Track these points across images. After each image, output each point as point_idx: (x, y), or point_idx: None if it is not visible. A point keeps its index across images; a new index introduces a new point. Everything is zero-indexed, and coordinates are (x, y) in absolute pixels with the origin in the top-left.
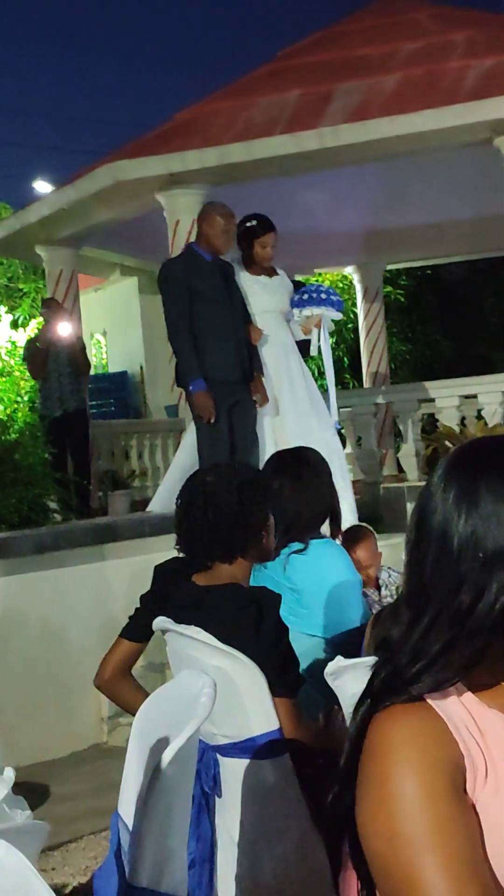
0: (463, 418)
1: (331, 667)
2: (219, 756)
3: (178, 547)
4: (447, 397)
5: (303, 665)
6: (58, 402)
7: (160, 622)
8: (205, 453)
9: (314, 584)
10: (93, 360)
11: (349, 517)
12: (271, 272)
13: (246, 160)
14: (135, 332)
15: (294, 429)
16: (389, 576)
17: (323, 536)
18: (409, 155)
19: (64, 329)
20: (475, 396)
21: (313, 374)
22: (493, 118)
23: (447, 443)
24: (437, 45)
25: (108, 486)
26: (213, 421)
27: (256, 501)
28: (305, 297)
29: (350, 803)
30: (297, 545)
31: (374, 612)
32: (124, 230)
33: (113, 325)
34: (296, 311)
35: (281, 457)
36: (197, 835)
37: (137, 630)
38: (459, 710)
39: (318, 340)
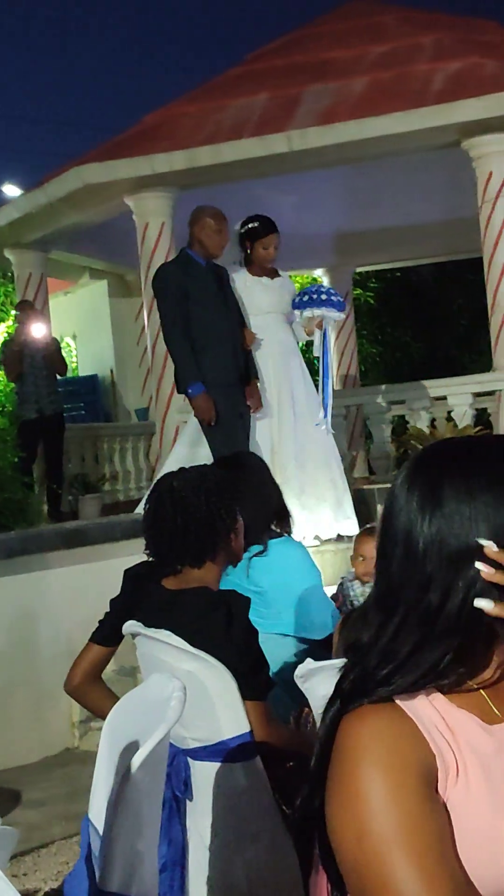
0: (433, 420)
1: (300, 669)
2: (190, 760)
3: (147, 551)
4: (417, 399)
5: (273, 668)
6: (34, 404)
7: (130, 626)
8: (218, 445)
9: (279, 584)
10: None
11: (350, 515)
12: (273, 273)
13: (214, 163)
14: (104, 336)
15: (293, 431)
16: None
17: (280, 535)
18: (378, 158)
19: (38, 331)
20: (445, 398)
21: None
22: (461, 121)
23: (417, 444)
24: (405, 49)
25: (79, 490)
26: (213, 423)
27: (224, 504)
28: (306, 298)
29: (320, 804)
30: (256, 548)
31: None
32: (93, 233)
33: (82, 328)
34: (297, 312)
35: (220, 464)
36: (168, 838)
37: (107, 634)
38: (429, 710)
39: (321, 341)
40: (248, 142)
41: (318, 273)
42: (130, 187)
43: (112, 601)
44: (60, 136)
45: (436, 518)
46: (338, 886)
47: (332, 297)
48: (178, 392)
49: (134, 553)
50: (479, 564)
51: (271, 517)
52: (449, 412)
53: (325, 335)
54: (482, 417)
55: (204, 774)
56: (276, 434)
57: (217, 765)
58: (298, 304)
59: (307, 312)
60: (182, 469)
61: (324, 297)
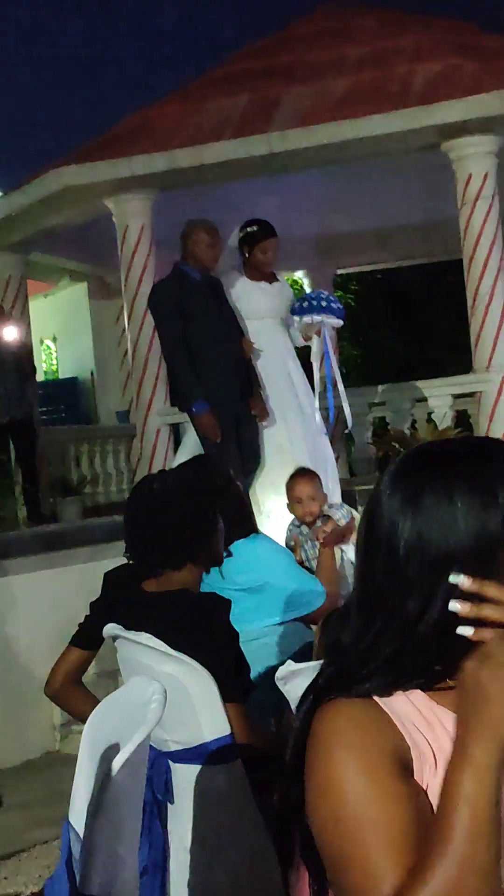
0: (414, 421)
1: (281, 671)
2: (171, 762)
3: (127, 554)
4: (398, 401)
5: (254, 670)
6: (4, 408)
7: (110, 629)
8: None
9: (257, 577)
10: (42, 367)
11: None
12: (271, 278)
13: (194, 165)
14: (85, 338)
15: (301, 434)
16: (337, 508)
17: (246, 534)
18: (358, 159)
19: (9, 334)
20: (426, 400)
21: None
22: (441, 122)
23: (397, 445)
24: (385, 50)
25: (60, 493)
26: (219, 441)
27: (204, 506)
28: (305, 304)
29: (297, 799)
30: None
31: (306, 548)
32: (73, 235)
33: (63, 330)
34: (296, 318)
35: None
36: (149, 841)
37: (87, 638)
38: (406, 706)
39: (320, 348)
40: (228, 143)
41: (299, 275)
42: (110, 189)
43: (92, 604)
44: (39, 138)
45: (416, 523)
46: (319, 880)
47: (332, 304)
48: (181, 410)
49: (115, 556)
50: (453, 604)
51: (237, 517)
52: (430, 414)
53: (324, 341)
54: (463, 419)
55: (185, 777)
56: (284, 439)
57: (198, 767)
58: (298, 310)
59: (306, 318)
60: (162, 472)
61: (324, 303)
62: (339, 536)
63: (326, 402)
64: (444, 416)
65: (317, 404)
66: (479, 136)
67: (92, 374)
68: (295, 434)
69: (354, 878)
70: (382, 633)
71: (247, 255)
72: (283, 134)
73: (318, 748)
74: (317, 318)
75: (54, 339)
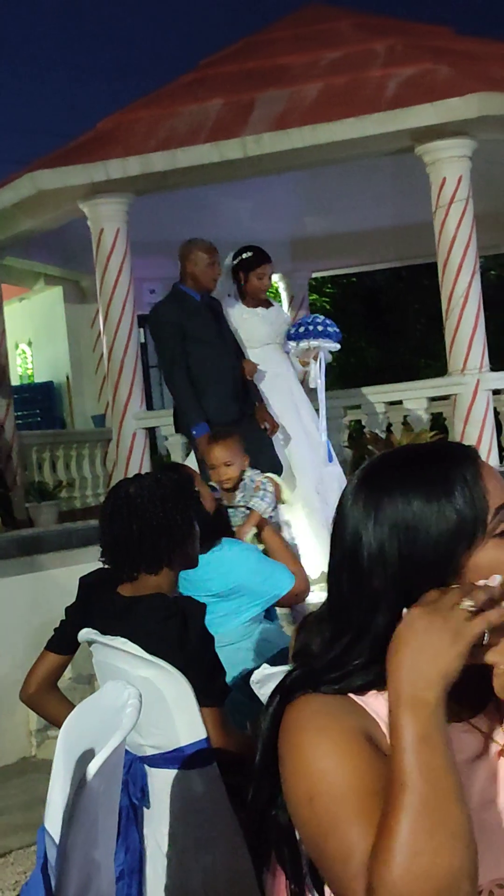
0: (389, 425)
1: (257, 675)
2: (146, 767)
3: (103, 558)
4: (373, 404)
5: (230, 674)
6: None
7: (86, 634)
8: None
9: (233, 577)
10: (18, 371)
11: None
12: (267, 304)
13: (169, 169)
14: (60, 342)
15: (308, 457)
16: (252, 480)
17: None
18: (333, 163)
19: None
20: (401, 402)
21: None
22: (414, 126)
23: (373, 449)
24: (358, 54)
25: (35, 498)
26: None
27: (180, 510)
28: (302, 329)
29: (268, 798)
30: None
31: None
32: (48, 239)
33: (38, 334)
34: (292, 343)
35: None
36: (125, 846)
37: (63, 642)
38: (380, 704)
39: (318, 373)
40: (202, 147)
41: (274, 278)
42: (85, 193)
43: (67, 609)
44: (13, 142)
45: (378, 534)
46: (295, 879)
47: (328, 328)
48: (177, 431)
49: (90, 560)
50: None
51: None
52: (405, 417)
53: (321, 366)
54: (438, 422)
55: (161, 781)
56: (287, 471)
57: (174, 772)
58: (294, 336)
59: (303, 343)
60: (137, 476)
61: (319, 327)
62: (262, 521)
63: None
64: (419, 419)
65: (324, 430)
66: (454, 140)
67: (67, 378)
68: (298, 464)
69: (333, 849)
70: (352, 645)
71: (242, 281)
72: (258, 137)
73: (289, 736)
74: (313, 342)
75: (30, 344)
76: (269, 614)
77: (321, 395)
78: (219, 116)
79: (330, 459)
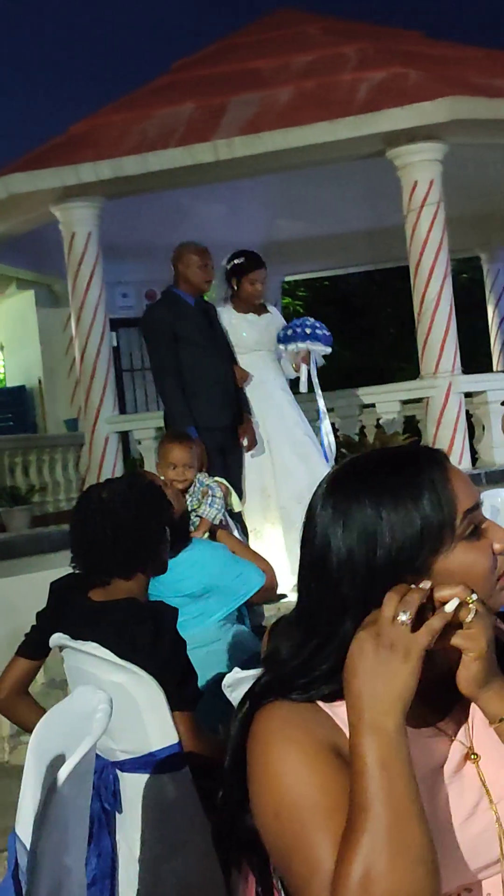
0: (362, 427)
1: (228, 678)
2: (118, 772)
3: (73, 564)
4: (346, 407)
5: (201, 678)
6: None
7: (57, 639)
8: None
9: (203, 577)
10: None
11: None
12: (261, 310)
13: (141, 173)
14: (32, 346)
15: (290, 467)
16: (201, 484)
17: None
18: (304, 166)
19: None
20: (373, 406)
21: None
22: (385, 130)
23: (346, 451)
24: (329, 58)
25: (8, 503)
26: (205, 468)
27: (154, 515)
28: (290, 332)
29: (237, 802)
30: None
31: None
32: (20, 243)
33: (10, 339)
34: (281, 346)
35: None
36: (97, 851)
37: (34, 648)
38: (344, 708)
39: (307, 377)
40: (174, 151)
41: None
42: (56, 197)
43: (38, 614)
44: None
45: (346, 539)
46: (263, 883)
47: (318, 331)
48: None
49: (63, 565)
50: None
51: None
52: (378, 420)
53: (313, 370)
54: (411, 424)
55: (133, 786)
56: (269, 476)
57: (146, 776)
58: (283, 339)
59: (291, 347)
60: (109, 480)
61: (308, 330)
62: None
63: (320, 432)
64: (392, 421)
65: (329, 437)
66: (424, 144)
67: (40, 382)
68: (280, 475)
69: (298, 865)
70: (319, 650)
71: (235, 287)
72: (229, 141)
73: (257, 746)
74: (301, 345)
75: (2, 348)
76: (241, 618)
77: (318, 397)
78: (190, 120)
79: (327, 460)
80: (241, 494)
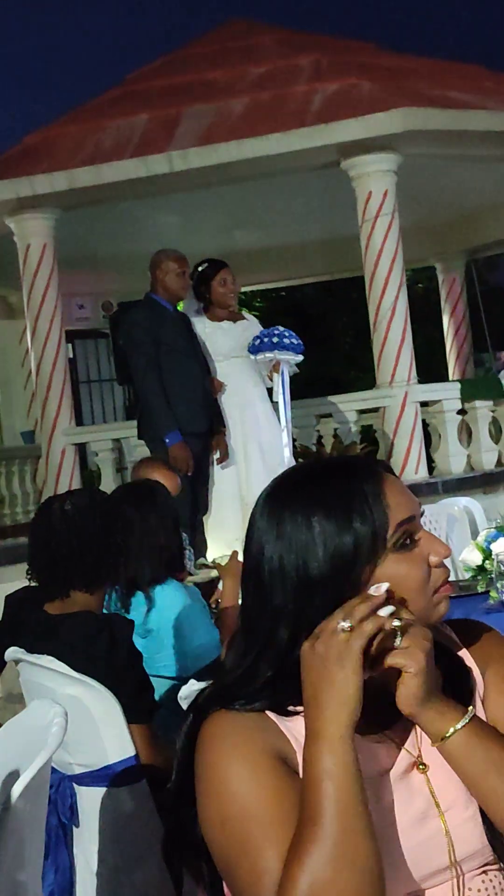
0: (319, 437)
1: (184, 690)
2: (75, 785)
3: (29, 576)
4: (302, 417)
5: (158, 690)
6: None
7: (12, 653)
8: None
9: (156, 620)
10: None
11: None
12: (236, 317)
13: (95, 184)
14: None
15: (262, 476)
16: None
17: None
18: (259, 178)
19: None
20: (330, 415)
21: None
22: (340, 141)
23: (302, 461)
24: (283, 70)
25: None
26: (190, 473)
27: (117, 529)
28: (258, 342)
29: (185, 813)
30: (141, 601)
31: None
32: None
33: None
34: (251, 357)
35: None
36: (55, 866)
37: None
38: (296, 722)
39: (279, 386)
40: (128, 162)
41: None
42: (11, 208)
43: None
44: None
45: (278, 548)
46: (214, 893)
47: (286, 340)
48: (140, 437)
49: (20, 578)
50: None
51: (155, 554)
52: (335, 430)
53: (283, 379)
54: (368, 434)
55: (90, 800)
56: (244, 484)
57: (103, 790)
58: (252, 349)
59: (260, 357)
60: (70, 492)
61: (276, 339)
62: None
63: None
64: (348, 431)
65: (289, 445)
66: (378, 154)
67: None
68: (253, 483)
69: (243, 874)
70: (259, 660)
71: (207, 295)
72: (184, 153)
73: (203, 755)
74: (269, 355)
75: None
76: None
77: (286, 407)
78: (145, 131)
79: None
80: (207, 506)
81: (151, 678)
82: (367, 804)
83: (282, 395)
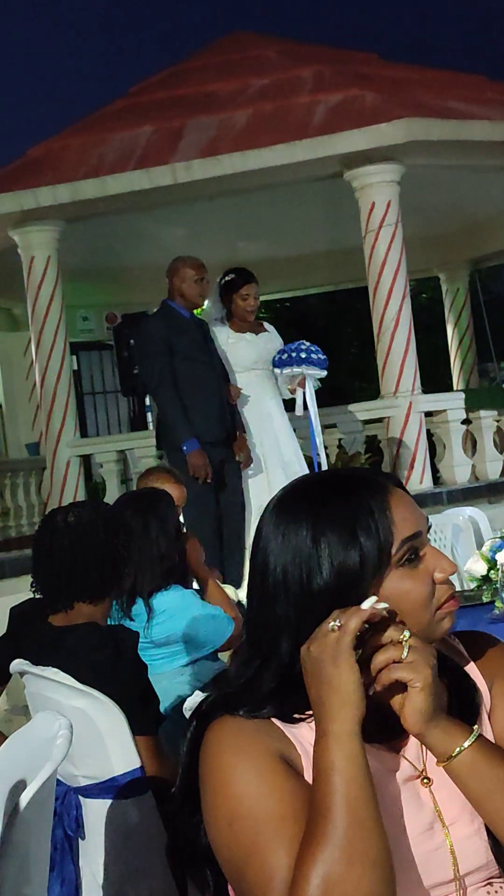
0: (325, 447)
1: (190, 702)
2: (81, 798)
3: (34, 588)
4: (307, 427)
5: (164, 702)
6: None
7: (17, 665)
8: (191, 518)
9: (170, 626)
10: None
11: None
12: (258, 328)
13: (99, 196)
14: None
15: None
16: None
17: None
18: (263, 189)
19: None
20: (335, 426)
21: None
22: (342, 152)
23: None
24: (286, 81)
25: None
26: (209, 480)
27: (122, 540)
28: (285, 356)
29: (190, 821)
30: (141, 615)
31: None
32: None
33: None
34: (276, 371)
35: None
36: (61, 878)
37: None
38: (303, 729)
39: (303, 401)
40: (132, 174)
41: (207, 304)
42: (15, 221)
43: None
44: None
45: (282, 560)
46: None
47: (313, 355)
48: (159, 448)
49: (25, 590)
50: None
51: (156, 563)
52: (339, 440)
53: (305, 394)
54: (372, 444)
55: (96, 812)
56: (266, 496)
57: (108, 802)
58: (278, 363)
59: (287, 371)
60: (73, 504)
61: (303, 354)
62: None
63: (311, 455)
64: (353, 441)
65: (324, 461)
66: (382, 165)
67: (1, 406)
68: (275, 491)
69: (253, 873)
70: (262, 669)
71: (230, 305)
72: (188, 164)
73: (208, 758)
74: (296, 369)
75: None
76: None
77: (314, 420)
78: (148, 143)
79: None
80: (243, 509)
81: (177, 670)
82: (376, 799)
83: (311, 409)
